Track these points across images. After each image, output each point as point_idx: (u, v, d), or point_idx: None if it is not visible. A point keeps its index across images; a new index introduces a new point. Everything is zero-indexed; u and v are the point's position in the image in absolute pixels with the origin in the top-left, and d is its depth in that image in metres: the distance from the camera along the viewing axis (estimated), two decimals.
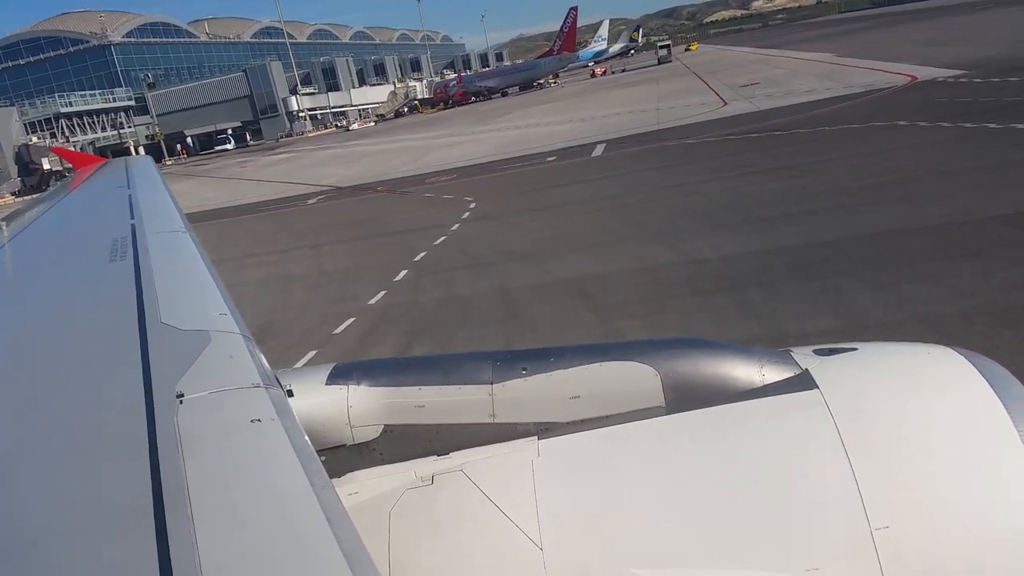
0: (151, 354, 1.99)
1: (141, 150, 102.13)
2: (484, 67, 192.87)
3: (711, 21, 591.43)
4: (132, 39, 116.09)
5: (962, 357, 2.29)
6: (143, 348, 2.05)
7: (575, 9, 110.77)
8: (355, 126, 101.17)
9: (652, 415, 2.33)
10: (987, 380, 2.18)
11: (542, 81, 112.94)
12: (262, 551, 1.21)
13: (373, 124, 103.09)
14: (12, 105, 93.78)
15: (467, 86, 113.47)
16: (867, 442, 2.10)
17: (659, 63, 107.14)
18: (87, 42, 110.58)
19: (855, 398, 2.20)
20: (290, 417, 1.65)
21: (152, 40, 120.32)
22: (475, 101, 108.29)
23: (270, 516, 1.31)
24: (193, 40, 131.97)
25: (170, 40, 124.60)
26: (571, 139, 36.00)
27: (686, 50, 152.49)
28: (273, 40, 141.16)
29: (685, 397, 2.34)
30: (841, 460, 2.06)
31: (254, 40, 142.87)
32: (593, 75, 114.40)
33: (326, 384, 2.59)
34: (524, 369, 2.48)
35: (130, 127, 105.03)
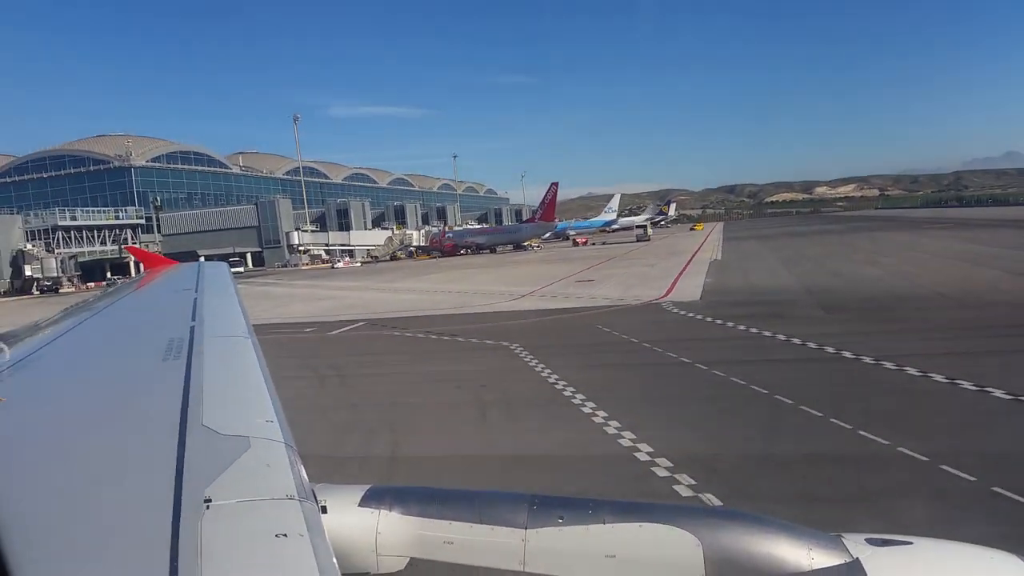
0: (186, 456, 1.97)
1: (142, 267, 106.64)
2: (518, 220, 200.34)
3: (771, 201, 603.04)
4: (156, 164, 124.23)
5: None
6: (180, 449, 2.02)
7: (556, 185, 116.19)
8: (339, 265, 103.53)
9: None
10: None
11: (526, 244, 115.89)
12: None
13: (359, 265, 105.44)
14: (18, 214, 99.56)
15: (456, 240, 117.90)
16: None
17: (637, 240, 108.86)
18: (109, 163, 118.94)
19: None
20: (320, 535, 1.60)
21: (171, 166, 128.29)
22: (465, 253, 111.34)
23: None
24: (222, 170, 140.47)
25: (191, 167, 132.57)
26: (376, 311, 34.82)
27: (691, 229, 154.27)
28: (298, 178, 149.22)
29: (727, 572, 2.23)
30: None
31: (284, 177, 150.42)
32: (575, 244, 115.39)
33: (359, 505, 2.53)
34: (561, 518, 2.40)
35: (136, 243, 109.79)
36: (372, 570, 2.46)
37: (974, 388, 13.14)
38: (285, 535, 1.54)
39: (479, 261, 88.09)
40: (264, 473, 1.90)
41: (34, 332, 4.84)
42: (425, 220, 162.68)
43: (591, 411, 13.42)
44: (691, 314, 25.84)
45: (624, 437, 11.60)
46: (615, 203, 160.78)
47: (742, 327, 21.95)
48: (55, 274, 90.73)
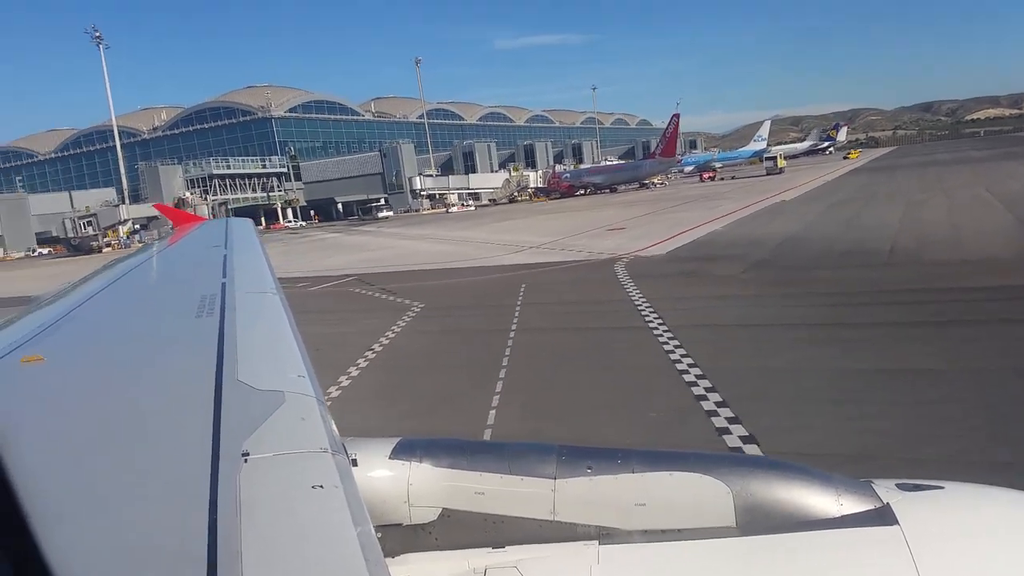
0: (223, 411, 2.04)
1: (289, 212, 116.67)
2: None
3: (972, 119, 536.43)
4: (294, 114, 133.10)
5: None
6: (216, 404, 2.09)
7: (677, 116, 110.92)
8: (453, 209, 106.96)
9: (721, 534, 2.27)
10: None
11: (647, 181, 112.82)
12: None
13: (472, 209, 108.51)
14: (179, 164, 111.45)
15: (573, 180, 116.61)
16: None
17: (766, 174, 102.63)
18: (254, 114, 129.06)
19: (937, 539, 2.11)
20: (352, 487, 1.67)
21: (307, 115, 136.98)
22: (584, 193, 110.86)
23: None
24: (355, 118, 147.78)
25: (325, 116, 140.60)
26: (388, 264, 37.08)
27: (844, 158, 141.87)
28: (430, 121, 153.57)
29: (757, 519, 2.26)
30: None
31: (417, 120, 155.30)
32: (701, 179, 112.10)
33: (390, 458, 2.60)
34: (589, 468, 2.43)
35: (280, 191, 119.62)
36: (404, 521, 2.49)
37: None
38: (321, 487, 1.58)
39: (575, 204, 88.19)
40: (298, 427, 1.94)
41: (70, 291, 4.91)
42: (559, 158, 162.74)
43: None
44: (622, 272, 25.71)
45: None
46: (765, 131, 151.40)
47: (630, 288, 21.80)
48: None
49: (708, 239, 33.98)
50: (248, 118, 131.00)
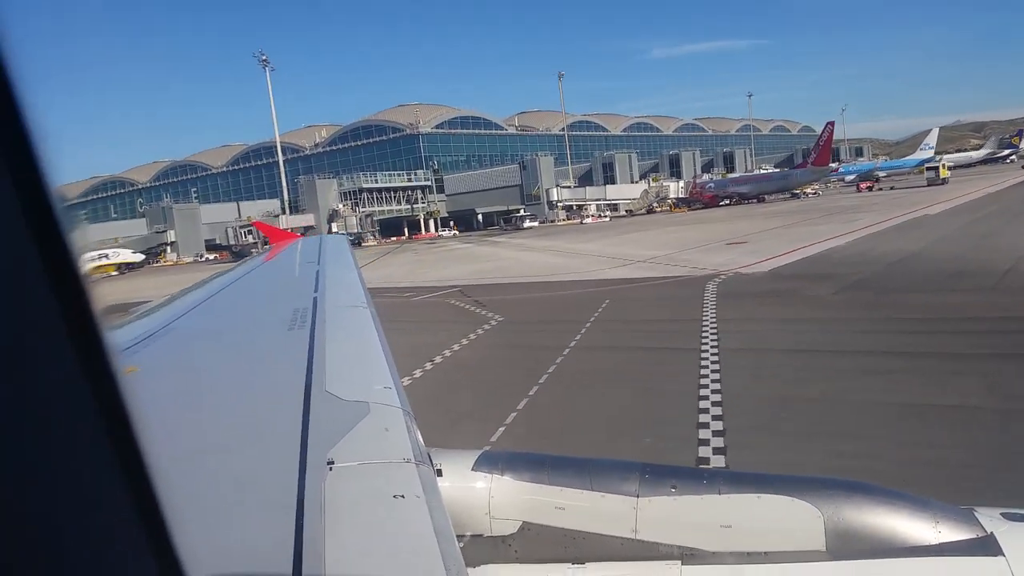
0: (311, 420, 2.13)
1: (431, 223, 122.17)
2: (835, 159, 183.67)
3: None
4: (440, 130, 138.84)
5: None
6: (304, 414, 2.18)
7: (831, 124, 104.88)
8: (588, 220, 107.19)
9: (811, 558, 2.20)
10: None
11: (797, 191, 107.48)
12: None
13: (607, 219, 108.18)
14: (334, 178, 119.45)
15: (718, 190, 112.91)
16: None
17: (928, 184, 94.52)
18: (403, 131, 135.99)
19: None
20: (436, 496, 1.70)
21: (452, 131, 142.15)
22: (728, 204, 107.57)
23: None
24: (497, 132, 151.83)
25: (469, 131, 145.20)
26: (489, 277, 38.16)
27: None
28: (572, 133, 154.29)
29: (849, 545, 2.19)
30: None
31: (559, 133, 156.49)
32: (858, 189, 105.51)
33: (472, 469, 2.64)
34: (674, 487, 2.40)
35: (423, 203, 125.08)
36: (485, 532, 2.49)
37: None
38: (403, 496, 1.61)
39: (712, 215, 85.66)
40: (383, 437, 1.99)
41: (169, 304, 5.09)
42: (708, 167, 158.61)
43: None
44: (712, 290, 25.16)
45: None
46: (933, 139, 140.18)
47: (709, 308, 21.36)
48: (356, 230, 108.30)
49: (823, 256, 32.35)
50: (397, 135, 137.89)
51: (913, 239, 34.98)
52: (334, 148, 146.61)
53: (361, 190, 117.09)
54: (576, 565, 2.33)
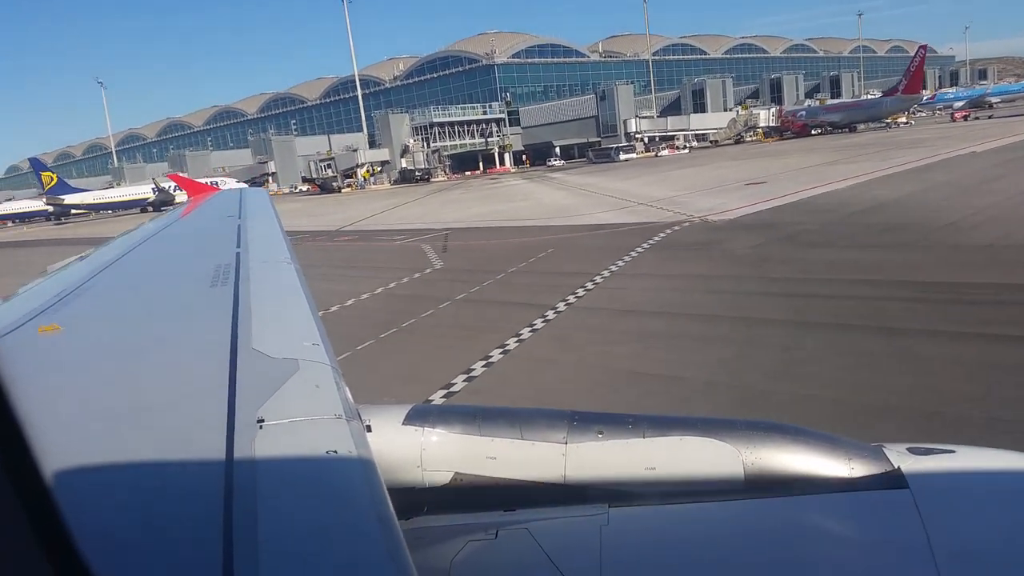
0: (238, 378, 2.11)
1: (507, 156, 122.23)
2: (953, 85, 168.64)
3: None
4: (516, 59, 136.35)
5: None
6: (231, 372, 2.16)
7: (924, 48, 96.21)
8: (664, 153, 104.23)
9: (731, 497, 2.28)
10: None
11: (888, 120, 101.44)
12: None
13: (686, 151, 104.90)
14: (408, 112, 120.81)
15: (809, 119, 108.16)
16: (956, 552, 1.95)
17: None
18: (479, 61, 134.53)
19: (948, 503, 2.10)
20: (367, 452, 1.69)
21: (529, 60, 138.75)
22: (820, 133, 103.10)
23: (334, 551, 1.35)
24: (579, 60, 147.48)
25: (547, 60, 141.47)
26: (485, 220, 38.95)
27: None
28: (665, 58, 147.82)
29: (767, 483, 2.29)
30: (928, 568, 1.91)
31: (653, 58, 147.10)
32: (953, 119, 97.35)
33: (403, 424, 2.66)
34: (600, 432, 2.47)
35: (498, 136, 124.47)
36: (417, 485, 2.55)
37: None
38: (335, 452, 1.60)
39: (791, 146, 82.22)
40: (313, 394, 1.98)
41: (85, 260, 4.95)
42: (811, 93, 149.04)
43: None
44: (654, 241, 25.22)
45: None
46: None
47: (623, 262, 21.65)
48: (424, 166, 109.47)
49: (805, 202, 31.07)
50: (472, 66, 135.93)
51: (909, 184, 32.93)
52: (411, 81, 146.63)
53: (432, 124, 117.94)
54: (507, 511, 2.39)
